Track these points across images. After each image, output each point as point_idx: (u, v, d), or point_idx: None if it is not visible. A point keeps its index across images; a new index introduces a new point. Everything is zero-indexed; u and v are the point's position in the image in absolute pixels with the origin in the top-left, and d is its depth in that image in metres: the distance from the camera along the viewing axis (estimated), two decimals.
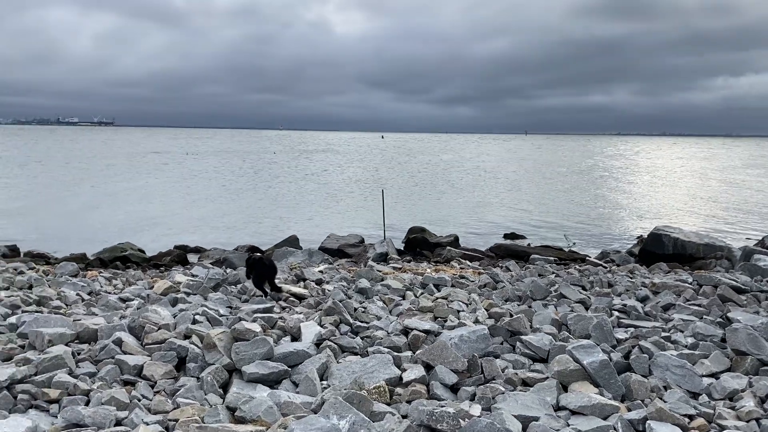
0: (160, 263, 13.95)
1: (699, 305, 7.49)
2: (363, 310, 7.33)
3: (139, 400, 5.05)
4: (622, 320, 7.09)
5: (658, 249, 14.80)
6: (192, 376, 5.60)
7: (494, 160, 75.32)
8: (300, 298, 8.21)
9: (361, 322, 6.96)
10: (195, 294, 8.55)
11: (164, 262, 13.99)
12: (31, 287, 9.20)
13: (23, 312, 7.47)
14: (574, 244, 18.95)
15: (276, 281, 8.50)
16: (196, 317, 6.87)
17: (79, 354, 5.98)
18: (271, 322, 6.76)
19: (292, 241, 16.24)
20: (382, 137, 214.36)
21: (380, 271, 10.63)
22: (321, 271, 10.79)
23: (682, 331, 6.57)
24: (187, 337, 6.27)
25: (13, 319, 7.00)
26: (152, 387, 5.42)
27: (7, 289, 8.90)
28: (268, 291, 8.29)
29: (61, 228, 21.24)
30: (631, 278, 9.96)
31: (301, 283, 9.29)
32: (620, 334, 6.48)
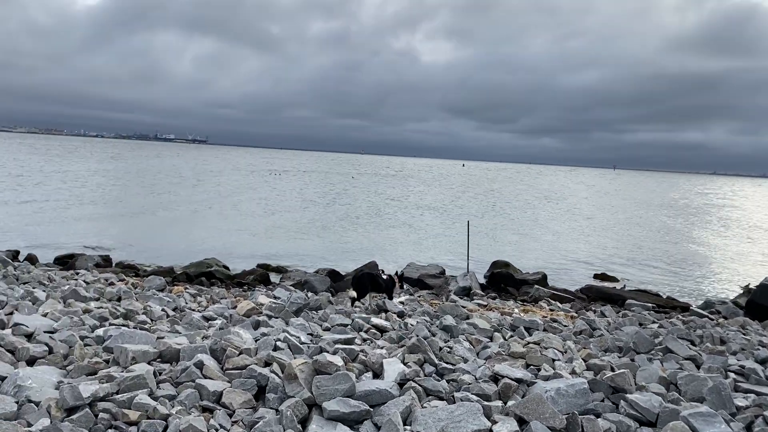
0: (243, 281, 14.09)
1: None
2: (449, 350, 6.93)
3: (216, 431, 4.88)
4: (739, 384, 6.34)
5: None
6: (271, 408, 5.38)
7: (582, 195, 73.04)
8: (382, 330, 7.91)
9: (447, 363, 6.55)
10: (277, 317, 8.43)
11: (247, 281, 14.13)
12: (119, 299, 9.39)
13: (110, 325, 7.57)
14: None
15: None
16: (278, 343, 6.70)
17: (160, 374, 5.91)
18: (352, 354, 6.48)
19: (372, 267, 16.03)
20: (463, 165, 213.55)
21: (464, 308, 10.18)
22: (402, 302, 10.46)
23: None
24: (267, 364, 6.10)
25: (100, 332, 7.08)
26: (230, 416, 5.25)
27: (98, 299, 9.12)
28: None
29: (155, 239, 22.08)
30: (744, 335, 9.04)
31: (383, 315, 9.00)
32: (739, 400, 5.76)
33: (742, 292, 17.08)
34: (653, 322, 10.19)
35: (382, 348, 7.03)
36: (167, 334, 7.34)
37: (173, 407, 5.22)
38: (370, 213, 36.69)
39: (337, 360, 5.84)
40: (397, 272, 11.83)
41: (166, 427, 4.86)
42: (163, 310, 8.95)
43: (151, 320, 8.37)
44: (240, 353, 6.33)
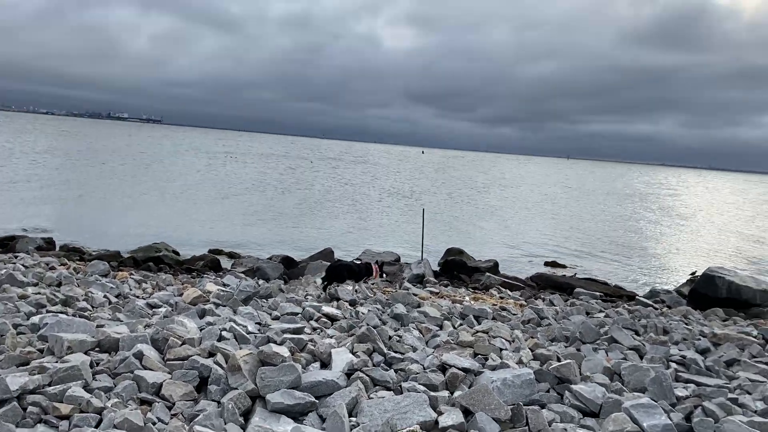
0: (192, 267, 13.76)
1: (767, 363, 6.81)
2: (398, 339, 6.88)
3: (154, 424, 4.69)
4: (680, 374, 6.48)
5: (710, 291, 13.95)
6: (213, 400, 5.22)
7: (535, 183, 74.19)
8: (332, 319, 7.82)
9: (396, 352, 6.50)
10: (225, 306, 8.23)
11: (197, 267, 13.80)
12: (59, 285, 9.02)
13: (47, 312, 7.24)
14: None
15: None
16: (223, 333, 6.52)
17: (97, 365, 5.68)
18: (300, 344, 6.37)
19: (327, 255, 15.92)
20: (423, 152, 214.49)
21: (416, 296, 10.17)
22: (356, 290, 10.38)
23: (750, 393, 5.94)
24: (211, 354, 5.92)
25: (36, 319, 6.77)
26: (170, 409, 5.07)
27: (36, 285, 8.74)
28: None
29: (102, 222, 21.39)
30: (687, 324, 9.27)
31: (335, 303, 8.90)
32: (680, 390, 5.88)
33: (686, 281, 17.62)
34: (600, 311, 10.37)
35: (331, 337, 6.94)
36: (108, 322, 7.07)
37: (109, 400, 5.01)
38: (327, 198, 36.44)
39: (284, 351, 5.71)
40: (376, 261, 11.83)
41: (100, 421, 4.65)
42: (105, 296, 8.64)
43: (92, 307, 8.05)
44: (183, 343, 6.13)
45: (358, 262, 11.12)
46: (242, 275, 11.78)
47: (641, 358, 7.05)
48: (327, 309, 8.08)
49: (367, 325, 6.96)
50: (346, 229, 24.96)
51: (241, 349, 5.93)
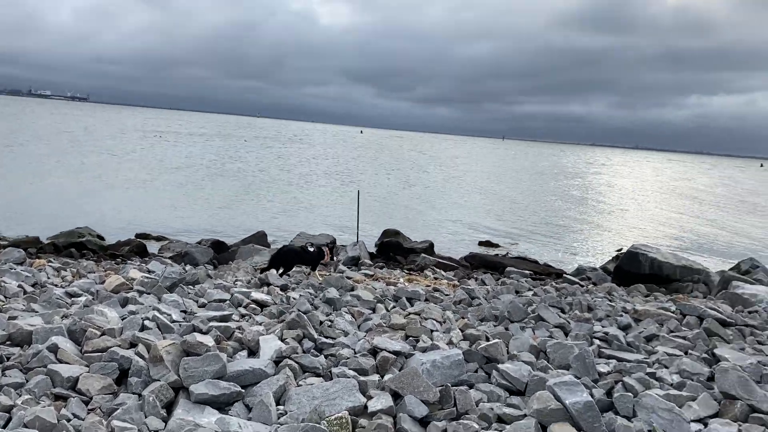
0: (117, 253, 13.24)
1: (684, 338, 7.15)
2: (329, 323, 6.82)
3: (69, 421, 4.48)
4: (603, 350, 6.71)
5: (634, 268, 14.56)
6: (134, 393, 5.03)
7: (471, 163, 75.32)
8: (262, 305, 7.68)
9: (327, 337, 6.45)
10: (149, 293, 7.94)
11: (122, 252, 13.29)
12: None
13: None
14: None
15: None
16: (146, 323, 6.30)
17: (8, 359, 5.38)
18: (227, 332, 6.23)
19: (260, 238, 15.67)
20: (361, 132, 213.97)
21: (350, 279, 10.14)
22: (288, 274, 10.25)
23: (667, 367, 6.21)
24: (133, 345, 5.71)
25: None
26: (86, 404, 4.85)
27: None
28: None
29: (20, 206, 20.28)
30: (610, 301, 9.63)
31: (265, 288, 8.74)
32: (602, 366, 6.09)
33: (612, 258, 18.31)
34: (529, 290, 10.63)
35: (260, 324, 6.81)
36: (21, 313, 6.70)
37: (20, 397, 4.75)
38: (261, 179, 35.82)
39: (208, 340, 5.56)
40: (327, 244, 11.65)
41: (9, 420, 4.40)
42: (19, 286, 8.18)
43: (6, 298, 7.61)
44: (102, 334, 5.88)
45: (311, 247, 10.94)
46: (169, 261, 11.42)
47: (566, 335, 7.26)
48: (256, 295, 7.93)
49: (298, 310, 6.88)
50: (279, 211, 24.61)
51: (164, 338, 5.74)
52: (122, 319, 6.38)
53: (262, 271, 10.29)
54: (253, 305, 7.63)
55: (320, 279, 10.38)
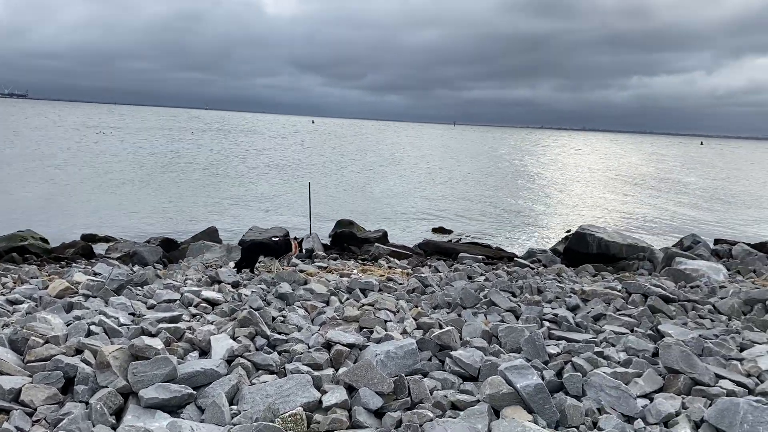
0: (62, 256, 12.81)
1: (630, 316, 7.38)
2: (282, 319, 6.78)
3: None
4: (553, 331, 6.87)
5: (582, 248, 14.97)
6: (81, 401, 4.89)
7: (423, 150, 75.69)
8: (213, 304, 7.56)
9: (280, 333, 6.40)
10: (95, 297, 7.72)
11: (67, 255, 12.87)
12: None
13: None
14: None
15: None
16: (92, 328, 6.12)
17: None
18: (177, 333, 6.11)
19: (211, 234, 15.41)
20: (313, 122, 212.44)
21: (303, 272, 10.09)
22: (239, 271, 10.12)
23: (614, 345, 6.40)
24: (78, 352, 5.55)
25: None
26: (30, 416, 4.69)
27: None
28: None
29: None
30: (559, 282, 9.86)
31: (216, 286, 8.61)
32: (552, 347, 6.23)
33: (561, 239, 18.74)
34: (481, 275, 10.80)
35: (211, 323, 6.71)
36: None
37: None
38: (211, 173, 35.17)
39: (157, 343, 5.43)
40: (295, 237, 11.60)
41: None
42: None
43: None
44: (45, 342, 5.68)
45: (276, 239, 10.91)
46: (116, 262, 11.12)
47: (518, 318, 7.39)
48: (207, 293, 7.81)
49: (249, 307, 6.81)
50: (230, 205, 24.24)
51: (111, 343, 5.60)
52: (67, 326, 6.19)
53: (239, 268, 10.24)
54: (204, 304, 7.51)
55: (274, 273, 10.34)
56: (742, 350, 6.32)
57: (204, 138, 72.90)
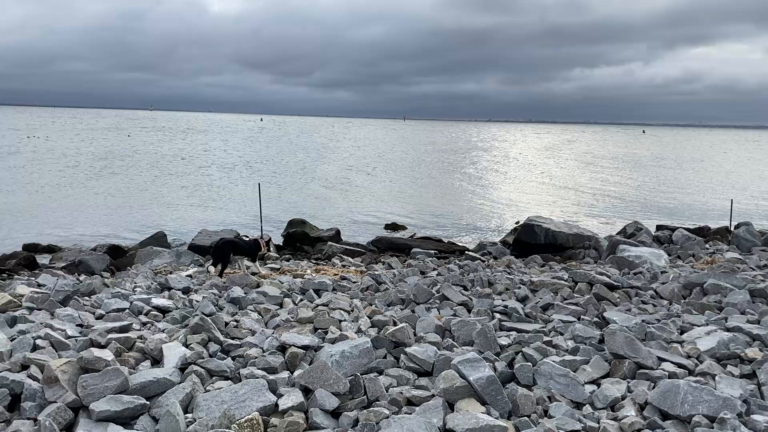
0: (3, 268, 12.33)
1: (576, 304, 7.64)
2: (235, 324, 6.75)
3: None
4: (504, 323, 7.05)
5: (530, 239, 15.36)
6: (28, 418, 4.77)
7: (373, 146, 75.85)
8: (164, 311, 7.46)
9: (233, 338, 6.38)
10: (40, 310, 7.50)
11: (8, 267, 12.38)
12: None
13: None
14: None
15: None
16: (38, 342, 5.96)
17: None
18: (128, 343, 6.02)
19: (159, 239, 15.13)
20: (261, 119, 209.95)
21: (255, 274, 10.03)
22: (190, 276, 9.99)
23: (562, 334, 6.62)
24: (25, 367, 5.40)
25: None
26: None
27: None
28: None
29: None
30: (509, 274, 10.10)
31: (166, 293, 8.49)
32: (503, 339, 6.41)
33: (510, 230, 19.15)
34: (433, 270, 10.96)
35: (163, 331, 6.62)
36: None
37: None
38: (155, 175, 34.36)
39: (107, 354, 5.35)
40: (262, 236, 11.55)
41: None
42: None
43: None
44: None
45: (246, 238, 10.89)
46: (61, 272, 10.79)
47: (469, 312, 7.56)
48: (157, 301, 7.70)
49: (201, 313, 6.75)
50: (178, 208, 23.77)
51: (59, 357, 5.48)
52: (11, 341, 6.01)
53: (220, 273, 10.25)
54: (155, 312, 7.40)
55: (261, 272, 10.34)
56: (682, 333, 6.62)
57: (148, 138, 71.15)
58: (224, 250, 10.43)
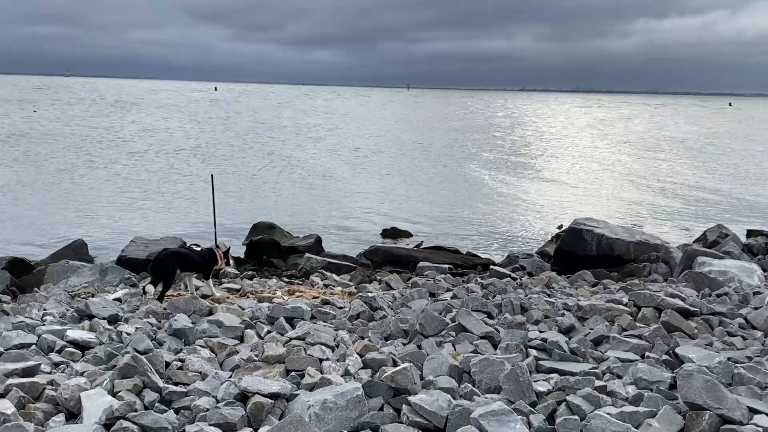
0: None
1: (640, 337, 7.64)
2: (179, 365, 6.75)
3: None
4: (541, 362, 7.05)
5: (578, 249, 15.40)
6: None
7: (364, 123, 75.97)
8: (84, 347, 7.47)
9: (177, 384, 6.39)
10: None
11: None
12: None
13: None
14: None
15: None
16: None
17: None
18: (34, 390, 6.03)
19: (78, 250, 15.16)
20: (215, 89, 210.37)
21: (207, 297, 10.04)
22: (119, 300, 9.98)
23: (620, 377, 6.62)
24: None
25: None
26: None
27: None
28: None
29: None
30: (549, 297, 10.10)
31: (86, 323, 8.50)
32: (541, 384, 6.41)
33: (551, 238, 19.21)
34: (447, 291, 10.96)
35: (82, 374, 6.63)
36: None
37: None
38: (71, 163, 34.36)
39: (5, 405, 5.36)
40: (218, 246, 11.53)
41: None
42: None
43: None
44: None
45: (198, 248, 10.83)
46: None
47: (495, 348, 7.56)
48: (75, 333, 7.71)
49: (134, 350, 6.75)
50: (102, 209, 23.72)
51: None
52: None
53: (160, 297, 10.21)
54: (71, 348, 7.41)
55: (212, 293, 10.35)
56: None
57: (63, 114, 71.19)
58: (168, 264, 10.38)
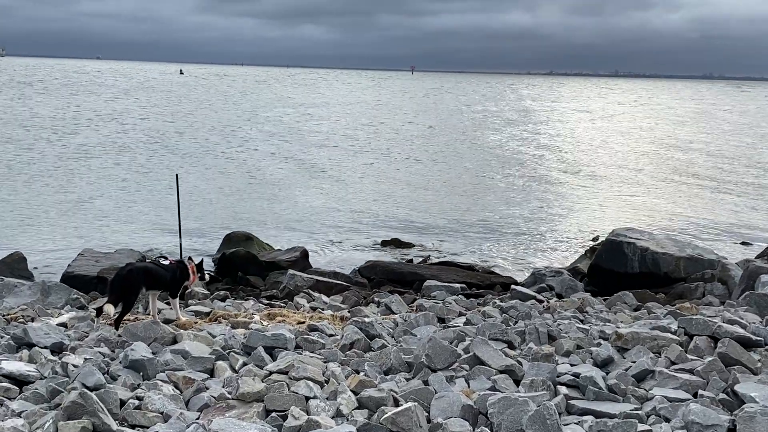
0: None
1: (691, 371, 7.62)
2: (136, 404, 6.75)
3: None
4: (573, 402, 7.05)
5: (617, 265, 15.38)
6: None
7: (360, 113, 76.03)
8: (22, 382, 7.47)
9: (133, 427, 6.39)
10: None
11: None
12: None
13: None
14: None
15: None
16: None
17: None
18: None
19: (14, 265, 15.15)
20: (181, 72, 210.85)
21: (170, 322, 10.03)
22: (64, 325, 9.97)
23: (668, 420, 6.61)
24: None
25: None
26: None
27: None
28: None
29: None
30: (582, 323, 10.09)
31: (24, 353, 8.50)
32: (572, 428, 6.42)
33: (585, 252, 19.20)
34: (460, 315, 10.95)
35: (19, 415, 6.63)
36: None
37: None
38: (9, 160, 34.35)
39: None
40: (190, 258, 11.45)
41: None
42: None
43: None
44: None
45: (166, 262, 10.72)
46: None
47: (518, 384, 7.54)
48: (10, 365, 7.71)
49: (82, 386, 6.75)
50: (44, 216, 23.72)
51: None
52: None
53: (99, 312, 10.02)
54: (6, 383, 7.41)
55: (178, 316, 10.30)
56: None
57: None
58: (133, 282, 10.22)
